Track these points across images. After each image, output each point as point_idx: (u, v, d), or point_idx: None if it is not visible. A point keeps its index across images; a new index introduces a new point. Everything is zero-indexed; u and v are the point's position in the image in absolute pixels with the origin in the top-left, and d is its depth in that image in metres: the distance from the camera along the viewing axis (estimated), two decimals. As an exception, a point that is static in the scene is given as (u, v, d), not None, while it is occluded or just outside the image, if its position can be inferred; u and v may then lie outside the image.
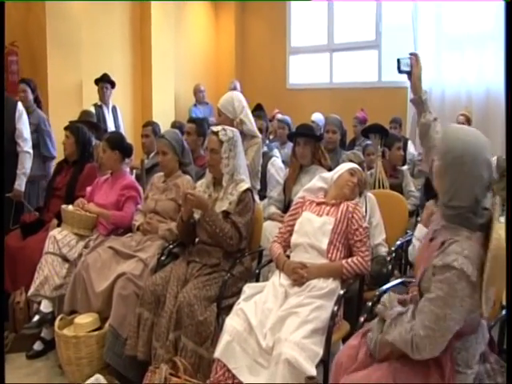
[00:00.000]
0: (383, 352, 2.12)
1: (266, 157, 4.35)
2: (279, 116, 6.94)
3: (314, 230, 2.92)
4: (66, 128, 4.33)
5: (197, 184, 3.49)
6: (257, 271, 3.28)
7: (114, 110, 6.48)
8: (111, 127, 6.24)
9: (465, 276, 1.90)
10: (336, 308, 2.67)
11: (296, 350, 2.44)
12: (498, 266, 1.91)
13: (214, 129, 3.34)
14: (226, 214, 3.25)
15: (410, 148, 5.98)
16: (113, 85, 6.42)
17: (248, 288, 2.94)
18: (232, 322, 2.72)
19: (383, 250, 3.38)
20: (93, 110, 6.15)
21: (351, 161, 3.87)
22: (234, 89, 7.72)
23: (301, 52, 8.65)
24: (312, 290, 2.77)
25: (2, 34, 2.64)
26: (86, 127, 4.56)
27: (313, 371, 2.43)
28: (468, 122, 5.52)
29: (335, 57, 8.22)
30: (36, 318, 3.51)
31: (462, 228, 2.00)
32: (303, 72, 8.62)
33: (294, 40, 8.72)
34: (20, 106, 4.71)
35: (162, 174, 3.85)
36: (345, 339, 2.89)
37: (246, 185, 3.30)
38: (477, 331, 2.06)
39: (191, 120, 5.34)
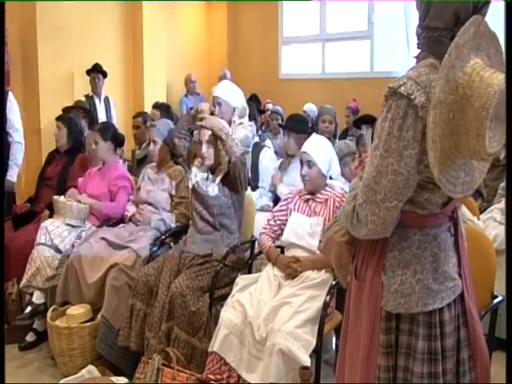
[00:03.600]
0: (327, 248, 1.83)
1: (258, 147, 4.34)
2: (270, 106, 6.94)
3: (304, 232, 2.92)
4: (57, 118, 4.30)
5: (193, 167, 3.46)
6: (249, 262, 3.30)
7: (107, 100, 6.43)
8: (102, 118, 6.19)
9: (411, 106, 1.44)
10: (328, 298, 2.68)
11: (289, 339, 2.46)
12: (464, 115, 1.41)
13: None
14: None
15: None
16: (105, 75, 6.38)
17: (241, 280, 2.96)
18: (228, 315, 2.73)
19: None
20: (84, 100, 6.12)
21: (341, 150, 3.87)
22: (224, 77, 7.68)
23: (293, 42, 8.62)
24: (305, 281, 2.79)
25: (2, 33, 2.62)
26: (79, 115, 4.53)
27: (306, 360, 2.45)
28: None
29: (327, 47, 8.19)
30: (28, 309, 3.50)
31: (428, 56, 1.53)
32: (295, 62, 8.60)
33: (286, 30, 8.68)
34: (11, 95, 4.67)
35: (154, 164, 3.84)
36: (337, 330, 2.91)
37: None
38: (423, 227, 1.59)
39: (156, 105, 5.25)
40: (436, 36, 1.51)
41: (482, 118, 1.37)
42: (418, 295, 1.56)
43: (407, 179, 1.48)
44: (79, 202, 3.79)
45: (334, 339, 3.14)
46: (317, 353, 2.54)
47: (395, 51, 7.38)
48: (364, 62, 7.79)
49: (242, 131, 3.74)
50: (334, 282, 2.78)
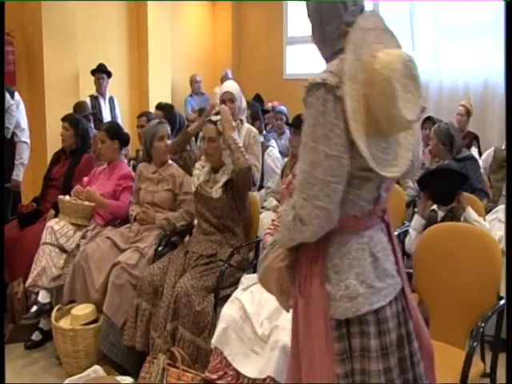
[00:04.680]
0: (265, 277, 1.80)
1: (263, 147, 4.34)
2: (269, 105, 6.93)
3: None
4: (64, 119, 4.31)
5: (195, 170, 3.45)
6: (254, 262, 3.30)
7: (111, 100, 6.44)
8: (107, 118, 6.20)
9: (328, 89, 1.50)
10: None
11: (293, 338, 2.45)
12: (380, 95, 1.51)
13: (213, 118, 3.31)
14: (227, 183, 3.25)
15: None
16: (109, 75, 6.39)
17: (246, 279, 2.97)
18: (228, 310, 2.75)
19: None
20: (88, 101, 6.13)
21: None
22: (226, 77, 7.67)
23: (298, 42, 8.60)
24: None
25: (2, 33, 2.62)
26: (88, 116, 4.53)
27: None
28: (468, 113, 5.47)
29: (332, 47, 8.19)
30: (34, 308, 3.51)
31: (335, 56, 1.62)
32: (300, 62, 8.59)
33: (290, 30, 8.68)
34: (17, 95, 4.69)
35: (147, 164, 3.83)
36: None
37: None
38: (358, 230, 1.63)
39: (159, 106, 5.25)
40: (336, 34, 1.62)
41: (391, 81, 1.48)
42: (364, 296, 1.59)
43: (340, 159, 1.51)
44: (87, 195, 3.78)
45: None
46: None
47: (400, 51, 7.37)
48: (369, 61, 7.77)
49: (254, 147, 3.75)
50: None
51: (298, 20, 8.60)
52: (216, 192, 3.23)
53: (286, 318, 2.55)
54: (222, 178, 3.25)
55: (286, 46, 8.69)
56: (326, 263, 1.62)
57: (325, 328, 1.61)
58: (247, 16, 9.06)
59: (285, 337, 2.45)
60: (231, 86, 3.89)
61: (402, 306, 1.69)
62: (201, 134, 3.56)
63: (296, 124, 3.95)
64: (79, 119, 4.35)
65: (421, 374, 1.70)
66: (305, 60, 8.52)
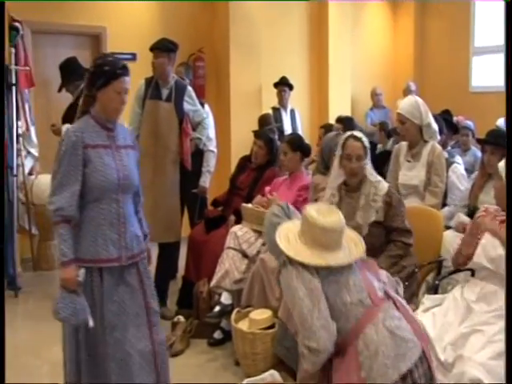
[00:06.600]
0: None
1: (447, 163, 4.15)
2: (454, 119, 6.55)
3: (498, 257, 2.69)
4: (258, 137, 4.48)
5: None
6: (436, 282, 3.16)
7: (292, 112, 6.60)
8: (288, 130, 6.37)
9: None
10: (527, 332, 2.47)
11: (481, 371, 2.31)
12: None
13: (358, 134, 3.21)
14: (375, 223, 3.13)
15: None
16: (291, 88, 6.58)
17: (427, 300, 2.86)
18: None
19: None
20: (271, 112, 6.36)
21: None
22: (408, 90, 7.43)
23: (486, 52, 8.10)
24: (499, 309, 2.59)
25: (2, 33, 2.75)
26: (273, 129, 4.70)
27: (498, 396, 2.28)
28: None
29: (525, 56, 7.58)
30: (217, 308, 3.71)
31: None
32: (488, 74, 8.06)
33: (478, 40, 8.19)
34: (206, 107, 5.02)
35: (323, 176, 3.79)
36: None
37: (385, 184, 3.19)
38: (370, 321, 2.07)
39: (339, 119, 5.21)
40: None
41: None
42: (393, 368, 2.04)
43: (312, 284, 2.13)
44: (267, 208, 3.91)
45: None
46: (511, 390, 2.35)
47: None
48: None
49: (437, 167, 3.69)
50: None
51: (486, 28, 8.09)
52: (364, 228, 3.09)
53: (472, 348, 2.42)
54: (367, 216, 3.13)
55: (472, 56, 8.22)
56: (358, 355, 2.05)
57: None
58: (430, 26, 8.73)
59: (472, 369, 2.31)
60: (401, 105, 3.76)
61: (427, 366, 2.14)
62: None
63: (492, 140, 3.68)
64: (273, 140, 4.51)
65: None
66: (493, 71, 7.98)
